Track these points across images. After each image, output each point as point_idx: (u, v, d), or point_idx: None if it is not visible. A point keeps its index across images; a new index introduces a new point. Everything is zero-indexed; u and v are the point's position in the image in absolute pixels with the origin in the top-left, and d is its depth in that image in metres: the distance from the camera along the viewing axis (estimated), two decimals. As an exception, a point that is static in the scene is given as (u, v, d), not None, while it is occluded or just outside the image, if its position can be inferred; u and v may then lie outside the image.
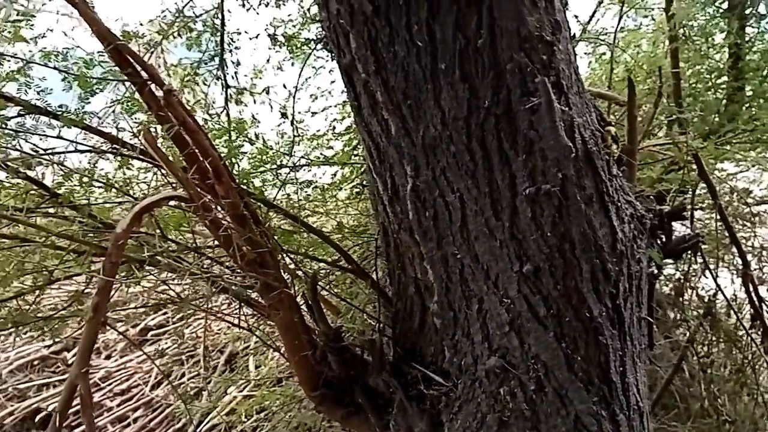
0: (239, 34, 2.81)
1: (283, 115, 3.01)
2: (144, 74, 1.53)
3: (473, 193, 1.54)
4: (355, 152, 3.37)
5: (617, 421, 1.57)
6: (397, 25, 1.51)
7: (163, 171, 1.91)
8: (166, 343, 6.10)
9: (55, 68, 1.69)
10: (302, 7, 3.23)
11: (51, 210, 1.96)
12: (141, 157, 1.85)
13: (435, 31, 1.46)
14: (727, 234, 2.54)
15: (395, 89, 1.59)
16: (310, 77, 3.55)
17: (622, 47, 3.17)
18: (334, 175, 3.47)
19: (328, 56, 3.50)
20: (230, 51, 2.82)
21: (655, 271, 1.85)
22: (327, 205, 3.27)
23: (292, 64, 3.53)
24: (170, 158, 1.52)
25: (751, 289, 2.85)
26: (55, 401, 5.60)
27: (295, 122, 2.89)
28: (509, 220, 1.51)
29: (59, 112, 1.71)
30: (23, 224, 1.84)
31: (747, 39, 3.35)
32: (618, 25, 3.04)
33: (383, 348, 1.94)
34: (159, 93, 1.56)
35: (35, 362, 6.26)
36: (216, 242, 1.84)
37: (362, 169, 3.47)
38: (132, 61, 1.50)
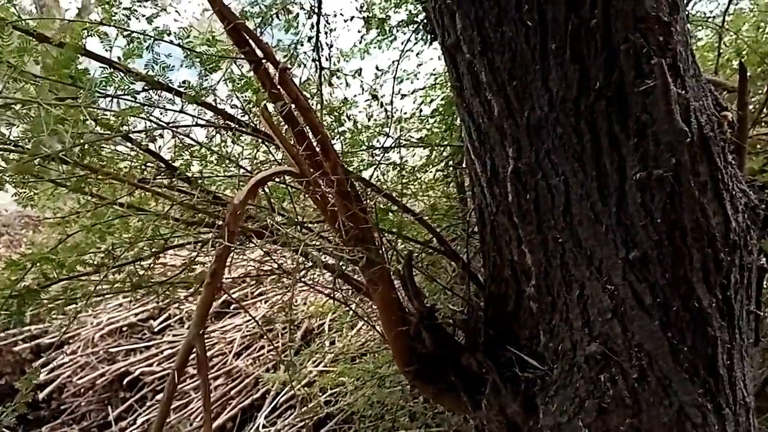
0: (335, 16, 2.87)
1: (374, 98, 3.05)
2: (259, 53, 1.60)
3: (579, 176, 1.52)
4: (444, 134, 3.38)
5: (723, 415, 1.53)
6: (506, 5, 1.50)
7: (272, 147, 2.00)
8: (257, 311, 6.31)
9: (179, 45, 1.79)
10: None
11: (165, 182, 2.09)
12: (253, 133, 1.94)
13: (546, 10, 1.45)
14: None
15: (501, 69, 1.59)
16: (396, 60, 3.57)
17: (728, 30, 3.01)
18: (427, 156, 3.50)
19: (414, 39, 3.49)
20: (325, 33, 2.88)
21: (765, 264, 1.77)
22: (413, 186, 3.30)
23: (379, 48, 3.56)
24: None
25: None
26: (139, 366, 5.96)
27: (384, 104, 2.94)
28: (617, 205, 1.48)
29: (182, 89, 1.82)
30: (148, 191, 1.97)
31: None
32: (727, 8, 2.89)
33: (477, 328, 1.96)
34: (272, 71, 1.63)
35: (124, 328, 6.65)
36: (318, 218, 1.91)
37: (446, 152, 3.48)
38: (249, 39, 1.57)
